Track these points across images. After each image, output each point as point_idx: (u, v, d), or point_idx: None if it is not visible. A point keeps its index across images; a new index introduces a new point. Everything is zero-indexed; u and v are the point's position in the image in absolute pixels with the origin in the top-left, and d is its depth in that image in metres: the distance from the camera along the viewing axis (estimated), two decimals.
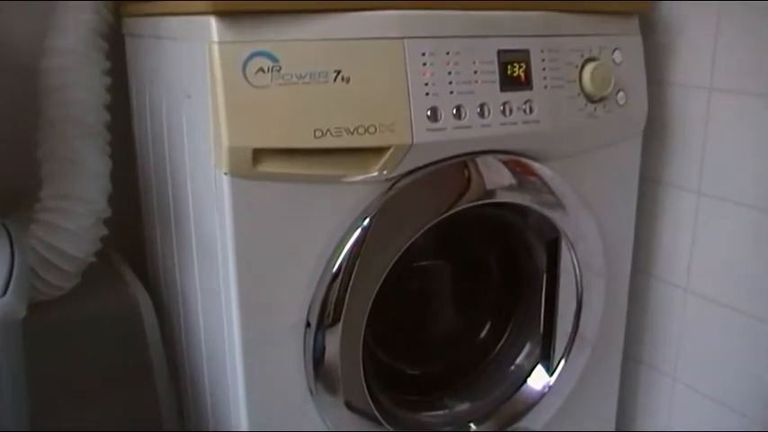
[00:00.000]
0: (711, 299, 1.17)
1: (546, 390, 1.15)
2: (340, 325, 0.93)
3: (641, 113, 1.13)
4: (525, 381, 1.16)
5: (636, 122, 1.13)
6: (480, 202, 0.99)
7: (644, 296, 1.29)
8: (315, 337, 0.93)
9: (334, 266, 0.91)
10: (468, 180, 0.98)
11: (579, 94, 1.03)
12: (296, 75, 0.83)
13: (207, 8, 0.81)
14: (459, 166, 0.97)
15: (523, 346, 1.18)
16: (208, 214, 0.92)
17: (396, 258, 0.94)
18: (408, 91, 0.89)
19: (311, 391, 0.96)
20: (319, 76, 0.85)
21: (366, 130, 0.87)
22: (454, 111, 0.92)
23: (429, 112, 0.90)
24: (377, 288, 0.94)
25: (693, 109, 1.14)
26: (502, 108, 0.96)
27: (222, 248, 0.88)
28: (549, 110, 0.99)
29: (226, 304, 0.91)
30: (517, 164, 1.01)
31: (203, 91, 0.84)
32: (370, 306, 0.94)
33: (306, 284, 0.91)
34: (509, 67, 0.96)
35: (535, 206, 1.04)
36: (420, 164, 0.93)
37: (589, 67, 1.02)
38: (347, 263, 0.91)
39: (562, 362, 1.15)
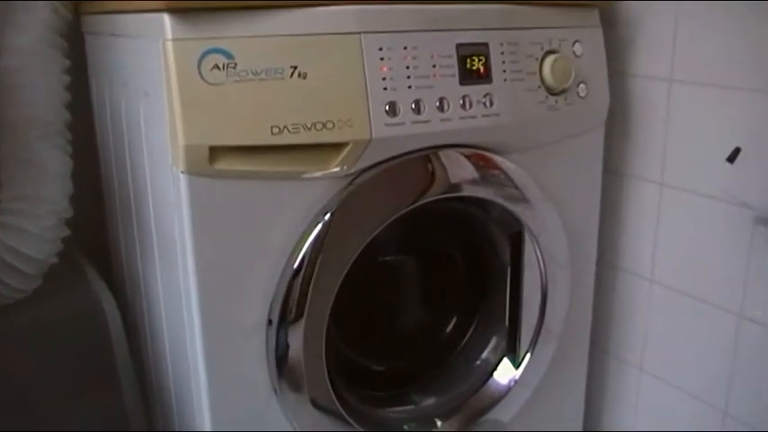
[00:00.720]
0: (676, 289, 1.18)
1: (512, 383, 1.15)
2: (303, 321, 0.92)
3: (603, 105, 1.13)
4: (492, 374, 1.16)
5: (597, 114, 1.14)
6: (444, 196, 0.99)
7: (609, 288, 1.30)
8: (277, 335, 0.92)
9: (295, 263, 0.91)
10: (432, 174, 0.98)
11: (540, 87, 1.03)
12: (252, 71, 0.83)
13: (160, 5, 0.81)
14: (422, 161, 0.97)
15: (489, 340, 1.18)
16: (167, 213, 0.91)
17: (358, 253, 0.94)
18: (366, 86, 0.89)
19: (275, 390, 0.95)
20: (275, 72, 0.84)
21: (324, 126, 0.86)
22: (413, 105, 0.92)
23: (387, 107, 0.90)
24: (339, 283, 0.94)
25: (654, 100, 1.15)
26: (461, 102, 0.96)
27: (181, 247, 0.88)
28: (509, 103, 0.99)
29: (186, 304, 0.90)
30: (480, 157, 1.01)
31: (160, 88, 0.84)
32: (332, 302, 0.94)
33: (266, 282, 0.91)
34: (468, 60, 0.96)
35: (498, 199, 1.04)
36: (380, 159, 0.93)
37: (549, 60, 1.03)
38: (308, 259, 0.91)
39: (528, 355, 1.15)
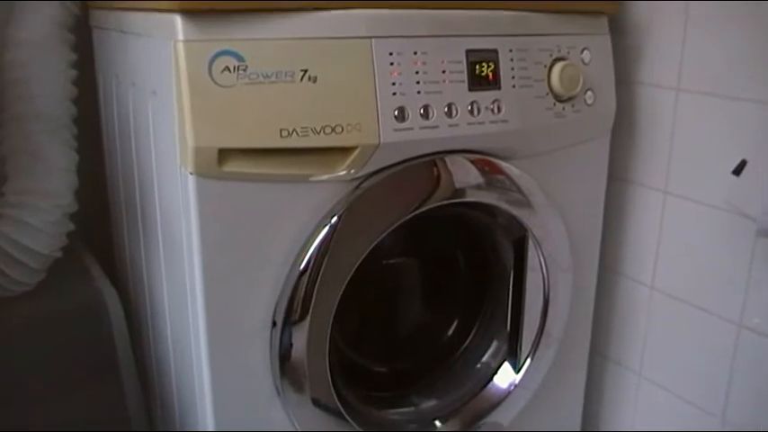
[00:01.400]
0: (677, 297, 1.19)
1: (512, 387, 1.16)
2: (307, 323, 0.92)
3: (609, 113, 1.14)
4: (492, 378, 1.17)
5: (604, 122, 1.14)
6: (449, 201, 0.99)
7: (611, 293, 1.30)
8: (281, 336, 0.92)
9: (301, 264, 0.91)
10: (437, 179, 0.98)
11: (548, 94, 1.03)
12: (262, 74, 0.83)
13: (173, 6, 0.81)
14: (428, 166, 0.97)
15: (490, 344, 1.18)
16: (174, 213, 0.91)
17: (363, 257, 0.94)
18: (375, 90, 0.89)
19: (278, 390, 0.96)
20: (286, 75, 0.84)
21: (333, 130, 0.87)
22: (422, 110, 0.92)
23: (396, 112, 0.90)
24: (344, 286, 0.94)
25: (661, 109, 1.15)
26: (470, 108, 0.96)
27: (188, 247, 0.88)
28: (517, 109, 1.00)
29: (192, 303, 0.91)
30: (485, 163, 1.02)
31: (168, 89, 0.83)
32: (336, 304, 0.94)
33: (272, 284, 0.91)
34: (477, 66, 0.96)
35: (503, 205, 1.04)
36: (387, 163, 0.93)
37: (558, 67, 1.03)
38: (314, 261, 0.91)
39: (528, 359, 1.16)
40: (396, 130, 0.90)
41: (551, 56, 1.03)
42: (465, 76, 0.95)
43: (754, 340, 1.08)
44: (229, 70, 0.82)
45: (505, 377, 1.17)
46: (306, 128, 0.85)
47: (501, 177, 1.03)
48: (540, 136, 1.05)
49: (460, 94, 0.95)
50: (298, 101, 0.85)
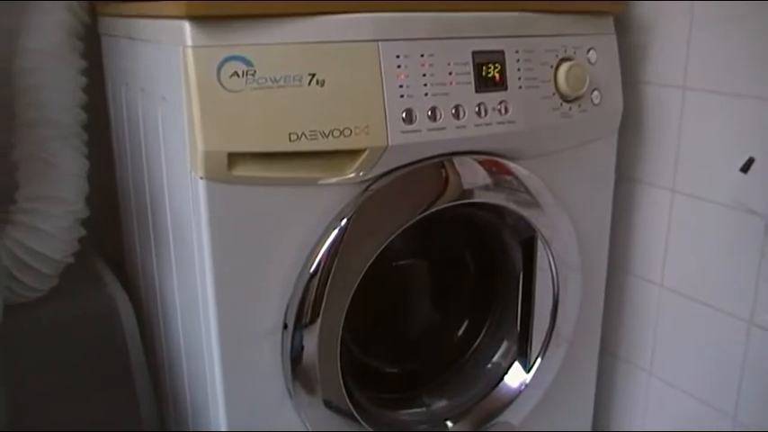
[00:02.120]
0: (686, 295, 1.19)
1: (523, 387, 1.16)
2: (317, 325, 0.93)
3: (616, 112, 1.14)
4: (502, 378, 1.17)
5: (611, 121, 1.14)
6: (457, 202, 0.99)
7: (620, 292, 1.30)
8: (292, 338, 0.93)
9: (311, 267, 0.92)
10: (446, 180, 0.98)
11: (554, 94, 1.04)
12: (270, 78, 0.84)
13: (181, 12, 0.81)
14: (436, 167, 0.97)
15: (500, 344, 1.19)
16: (184, 217, 0.92)
17: (373, 259, 0.95)
18: (383, 93, 0.90)
19: (289, 392, 0.96)
20: (294, 79, 0.85)
21: (341, 133, 0.87)
22: (429, 112, 0.93)
23: (404, 114, 0.91)
24: (354, 288, 0.94)
25: (667, 108, 1.15)
26: (477, 109, 0.96)
27: (199, 251, 0.89)
28: (524, 110, 1.00)
29: (203, 306, 0.91)
30: (493, 164, 1.02)
31: (178, 94, 0.84)
32: (347, 306, 0.95)
33: (283, 286, 0.92)
34: (484, 68, 0.97)
35: (511, 205, 1.05)
36: (396, 165, 0.94)
37: (564, 67, 1.03)
38: (324, 263, 0.92)
39: (539, 359, 1.16)
40: (404, 132, 0.91)
41: (557, 56, 1.04)
42: (472, 78, 0.96)
43: (764, 337, 1.08)
44: (238, 75, 0.82)
45: (516, 377, 1.17)
46: (314, 131, 0.86)
47: (509, 178, 1.04)
48: (548, 136, 1.05)
49: (467, 95, 0.96)
50: (306, 105, 0.85)
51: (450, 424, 1.14)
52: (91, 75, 1.16)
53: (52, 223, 1.06)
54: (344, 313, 0.95)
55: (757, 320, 1.09)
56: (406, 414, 1.13)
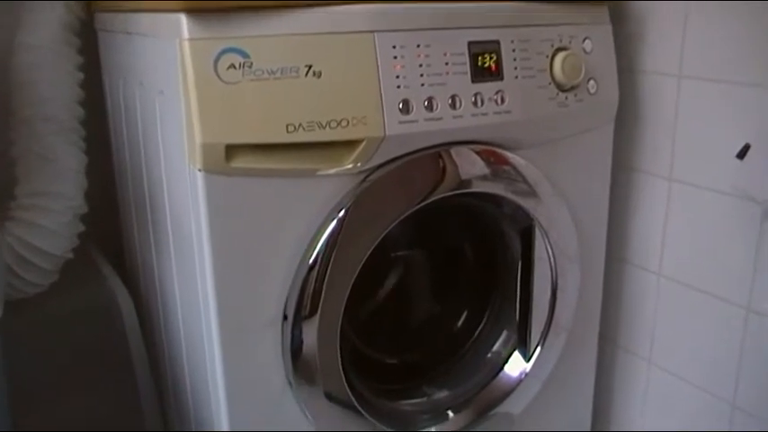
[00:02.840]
0: (684, 283, 1.19)
1: (523, 376, 1.16)
2: (317, 316, 0.93)
3: (612, 101, 1.14)
4: (503, 367, 1.17)
5: (607, 110, 1.15)
6: (455, 192, 1.00)
7: (618, 281, 1.31)
8: (292, 330, 0.93)
9: (310, 258, 0.92)
10: (443, 170, 0.99)
11: (550, 84, 1.04)
12: (267, 70, 0.84)
13: (177, 5, 0.82)
14: (434, 157, 0.98)
15: (500, 334, 1.19)
16: (183, 209, 0.92)
17: (371, 249, 0.95)
18: (380, 84, 0.90)
19: (290, 383, 0.97)
20: (290, 71, 0.85)
21: (338, 124, 0.87)
22: (426, 103, 0.93)
23: (401, 105, 0.91)
24: (353, 279, 0.95)
25: (664, 96, 1.16)
26: (473, 99, 0.97)
27: (198, 244, 0.89)
28: (520, 100, 1.00)
29: (203, 299, 0.92)
30: (490, 153, 1.02)
31: (175, 87, 0.84)
32: (346, 297, 0.95)
33: (282, 277, 0.92)
34: (480, 58, 0.97)
35: (509, 195, 1.05)
36: (393, 156, 0.94)
37: (560, 57, 1.04)
38: (323, 255, 0.92)
39: (538, 348, 1.17)
40: (401, 122, 0.91)
41: (553, 46, 1.04)
42: (468, 68, 0.96)
43: (762, 324, 1.09)
44: (235, 67, 0.83)
45: (516, 366, 1.17)
46: (312, 122, 0.86)
47: (506, 168, 1.04)
48: (544, 126, 1.06)
49: (464, 85, 0.96)
50: (303, 96, 0.86)
51: (451, 414, 1.14)
52: (88, 70, 1.17)
53: (52, 219, 1.07)
54: (344, 304, 0.95)
55: (755, 307, 1.09)
56: (407, 404, 1.14)
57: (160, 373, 1.23)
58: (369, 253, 0.95)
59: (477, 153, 1.01)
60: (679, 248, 1.19)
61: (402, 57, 0.91)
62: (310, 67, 0.86)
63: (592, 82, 1.09)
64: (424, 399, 1.15)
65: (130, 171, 1.16)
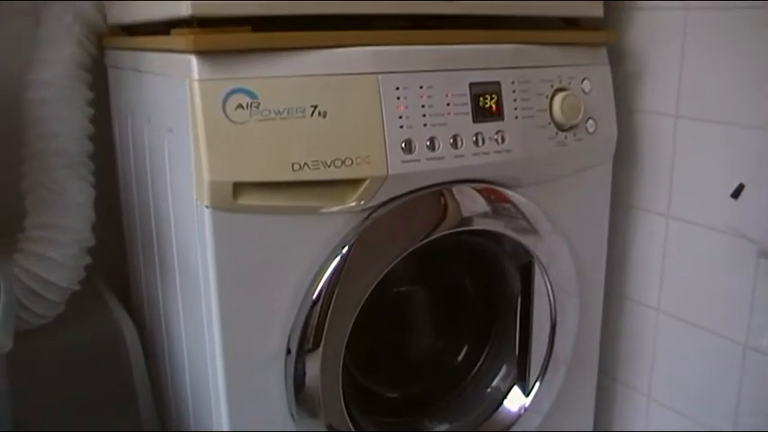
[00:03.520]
0: (683, 318, 1.20)
1: (522, 411, 1.17)
2: (320, 351, 0.95)
3: (611, 140, 1.16)
4: (502, 402, 1.18)
5: (605, 149, 1.17)
6: (456, 230, 1.01)
7: (617, 317, 1.32)
8: (295, 363, 0.95)
9: (313, 294, 0.94)
10: (445, 208, 1.00)
11: (550, 124, 1.06)
12: (274, 110, 0.86)
13: (188, 47, 0.84)
14: (435, 195, 0.99)
15: (500, 369, 1.20)
16: (190, 245, 0.94)
17: (374, 286, 0.97)
18: (383, 124, 0.92)
19: (293, 416, 0.98)
20: (297, 111, 0.87)
21: (342, 163, 0.90)
22: (428, 142, 0.95)
23: (403, 144, 0.93)
24: (355, 315, 0.96)
25: (661, 135, 1.18)
26: (474, 139, 0.99)
27: (204, 278, 0.91)
28: (520, 139, 1.03)
29: (208, 332, 0.93)
30: (491, 191, 1.04)
31: (184, 126, 0.87)
32: (349, 332, 0.96)
33: (286, 312, 0.94)
34: (481, 98, 0.99)
35: (509, 232, 1.07)
36: (396, 194, 0.96)
37: (559, 97, 1.06)
38: (326, 290, 0.94)
39: (537, 383, 1.17)
40: (403, 161, 0.93)
41: (552, 86, 1.06)
42: (469, 108, 0.98)
43: (760, 360, 1.10)
44: (243, 107, 0.85)
45: (516, 401, 1.18)
46: (317, 161, 0.88)
47: (506, 205, 1.06)
48: (544, 164, 1.08)
49: (465, 125, 0.98)
50: (309, 135, 0.88)
51: None
52: (97, 105, 1.19)
53: (59, 251, 1.08)
54: (346, 338, 0.97)
55: (753, 343, 1.10)
56: None
57: (164, 404, 1.24)
58: (371, 289, 0.96)
59: (478, 191, 1.03)
60: (677, 285, 1.21)
61: (405, 98, 0.94)
62: (316, 107, 0.88)
63: (591, 121, 1.11)
64: None
65: (138, 205, 1.17)
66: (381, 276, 0.97)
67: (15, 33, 1.21)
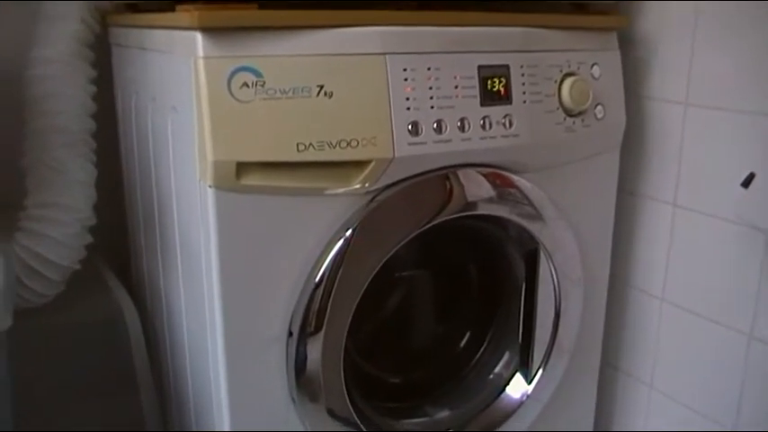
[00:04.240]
0: (687, 308, 1.19)
1: (524, 398, 1.17)
2: (321, 334, 0.94)
3: (619, 127, 1.15)
4: (504, 389, 1.18)
5: (614, 136, 1.16)
6: (461, 215, 1.00)
7: (621, 305, 1.31)
8: (297, 346, 0.94)
9: (316, 277, 0.93)
10: (450, 192, 0.99)
11: (558, 109, 1.05)
12: (280, 90, 0.85)
13: (193, 23, 0.83)
14: (441, 179, 0.98)
15: (502, 355, 1.19)
16: (192, 224, 0.93)
17: (377, 269, 0.96)
18: (390, 105, 0.91)
19: (293, 399, 0.97)
20: (302, 90, 0.86)
21: (348, 144, 0.88)
22: (435, 125, 0.94)
23: (410, 127, 0.92)
24: (358, 298, 0.95)
25: (670, 123, 1.17)
26: (482, 122, 0.97)
27: (206, 259, 0.90)
28: (528, 124, 1.01)
29: (209, 313, 0.92)
30: (497, 176, 1.03)
31: (188, 104, 0.86)
32: (351, 315, 0.96)
33: (288, 294, 0.93)
34: (489, 81, 0.98)
35: (515, 218, 1.06)
36: (401, 177, 0.95)
37: (568, 82, 1.05)
38: (329, 273, 0.93)
39: (540, 370, 1.17)
40: (410, 144, 0.92)
41: (561, 71, 1.05)
42: (477, 92, 0.97)
43: (765, 351, 1.09)
44: (248, 86, 0.84)
45: (518, 388, 1.18)
46: (322, 142, 0.87)
47: (512, 190, 1.05)
48: (551, 150, 1.07)
49: (473, 108, 0.97)
50: (314, 116, 0.87)
51: None
52: (100, 83, 1.18)
53: (60, 230, 1.07)
54: (348, 322, 0.96)
55: (757, 334, 1.10)
56: (409, 424, 1.14)
57: (163, 385, 1.23)
58: (374, 273, 0.95)
59: (484, 176, 1.02)
60: (682, 274, 1.20)
61: (413, 79, 0.93)
62: (322, 87, 0.87)
63: (599, 107, 1.10)
64: (426, 419, 1.15)
65: (140, 184, 1.16)
66: (385, 260, 0.96)
67: (17, 10, 1.19)
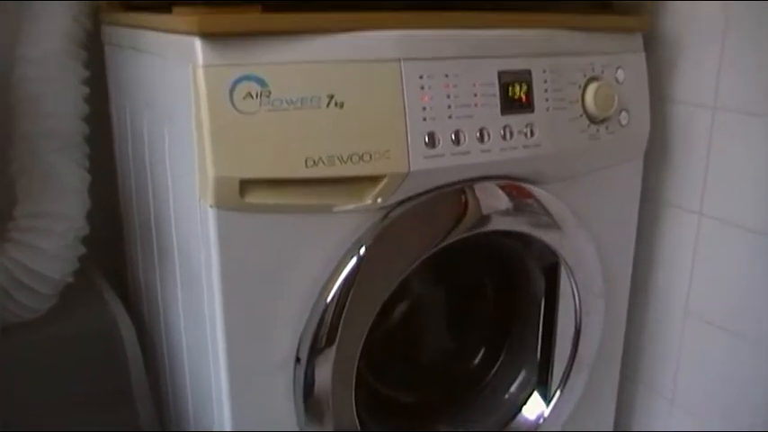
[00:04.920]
0: (711, 322, 1.15)
1: (541, 420, 1.12)
2: (332, 358, 0.89)
3: (643, 133, 1.10)
4: (520, 410, 1.13)
5: (638, 143, 1.10)
6: (477, 231, 0.95)
7: (642, 318, 1.26)
8: (305, 372, 0.89)
9: (326, 298, 0.87)
10: (465, 207, 0.93)
11: (582, 115, 0.99)
12: (286, 100, 0.79)
13: (192, 28, 0.76)
14: (456, 193, 0.93)
15: (518, 374, 1.15)
16: (192, 244, 0.87)
17: (393, 289, 0.90)
18: (405, 116, 0.85)
19: (300, 426, 0.92)
20: (311, 101, 0.80)
21: (360, 158, 0.82)
22: (453, 136, 0.88)
23: (426, 138, 0.86)
24: (372, 319, 0.90)
25: (696, 128, 1.11)
26: (502, 132, 0.91)
27: (208, 281, 0.84)
28: (550, 133, 0.96)
29: (212, 338, 0.87)
30: (513, 188, 0.97)
31: (186, 115, 0.79)
32: (363, 339, 0.90)
33: (296, 319, 0.87)
34: (510, 88, 0.92)
35: (534, 231, 1.00)
36: (416, 192, 0.89)
37: (592, 87, 0.99)
38: (341, 293, 0.87)
39: (558, 391, 1.12)
40: (426, 157, 0.86)
41: (585, 76, 0.99)
42: (497, 100, 0.91)
43: None
44: (252, 96, 0.77)
45: (534, 408, 1.13)
46: (332, 156, 0.81)
47: (531, 202, 0.99)
48: (574, 159, 1.01)
49: (493, 117, 0.91)
50: (324, 128, 0.81)
51: None
52: (94, 85, 1.12)
53: (52, 241, 1.02)
54: (361, 345, 0.91)
55: None
56: None
57: (162, 400, 1.18)
58: (389, 293, 0.90)
59: (502, 188, 0.96)
60: (708, 286, 1.15)
61: (429, 87, 0.86)
62: (332, 96, 0.81)
63: (624, 113, 1.04)
64: None
65: (136, 193, 1.11)
66: (400, 281, 0.90)
67: (5, 7, 1.13)
